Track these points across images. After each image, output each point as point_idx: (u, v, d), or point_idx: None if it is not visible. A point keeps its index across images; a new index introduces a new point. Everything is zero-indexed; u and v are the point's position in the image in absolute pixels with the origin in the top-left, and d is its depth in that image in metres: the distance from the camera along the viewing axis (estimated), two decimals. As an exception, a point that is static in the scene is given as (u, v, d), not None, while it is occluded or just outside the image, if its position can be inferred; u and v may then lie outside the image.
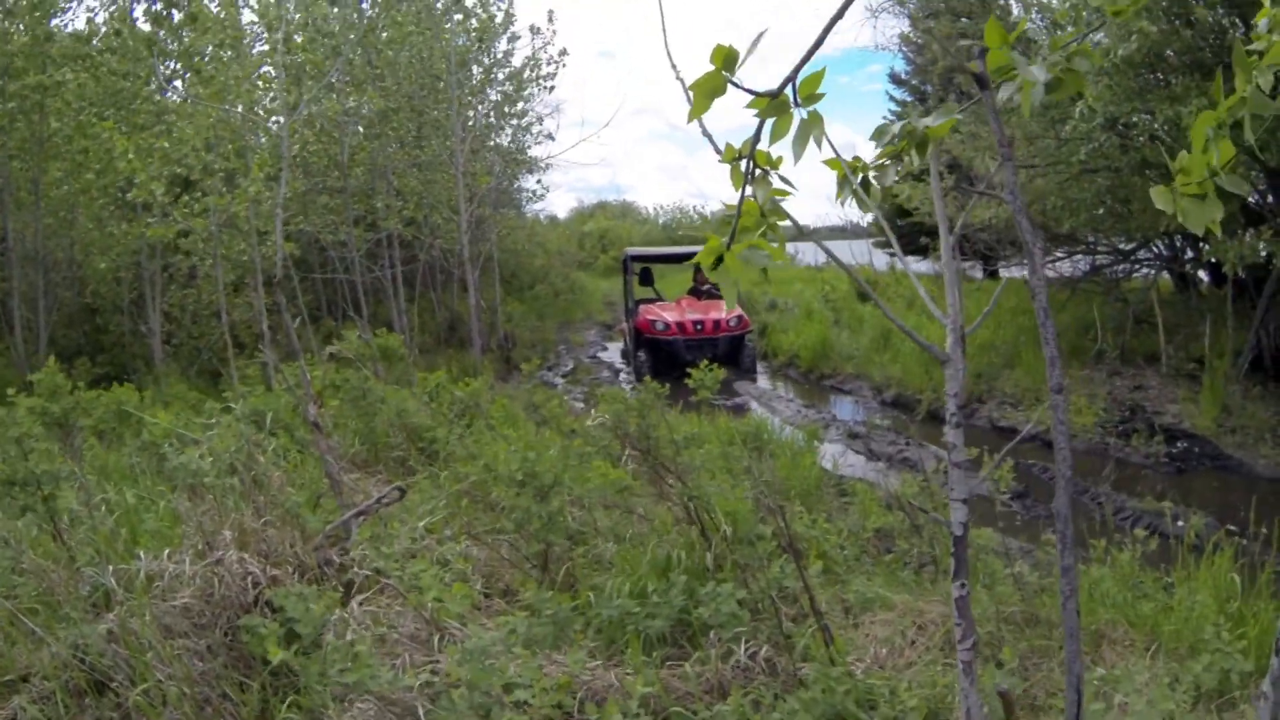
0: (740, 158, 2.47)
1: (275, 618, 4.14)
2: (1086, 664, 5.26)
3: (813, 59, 2.27)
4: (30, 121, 17.26)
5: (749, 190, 2.49)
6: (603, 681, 4.13)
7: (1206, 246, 13.84)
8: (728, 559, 6.05)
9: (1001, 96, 2.59)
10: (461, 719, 3.03)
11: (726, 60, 2.26)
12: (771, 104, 2.34)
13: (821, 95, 2.37)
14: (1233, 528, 8.06)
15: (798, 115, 2.38)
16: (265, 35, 16.52)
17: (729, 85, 2.29)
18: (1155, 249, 19.24)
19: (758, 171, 2.50)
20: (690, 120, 2.38)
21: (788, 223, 2.58)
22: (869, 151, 3.10)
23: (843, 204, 2.97)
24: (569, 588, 5.66)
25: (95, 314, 20.94)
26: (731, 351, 22.32)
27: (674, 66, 2.48)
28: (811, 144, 2.81)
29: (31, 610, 5.34)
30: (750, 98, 2.33)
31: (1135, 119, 13.10)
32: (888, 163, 3.03)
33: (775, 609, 5.35)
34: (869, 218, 30.78)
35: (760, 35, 2.32)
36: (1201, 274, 19.08)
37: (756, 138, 2.40)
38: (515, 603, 5.50)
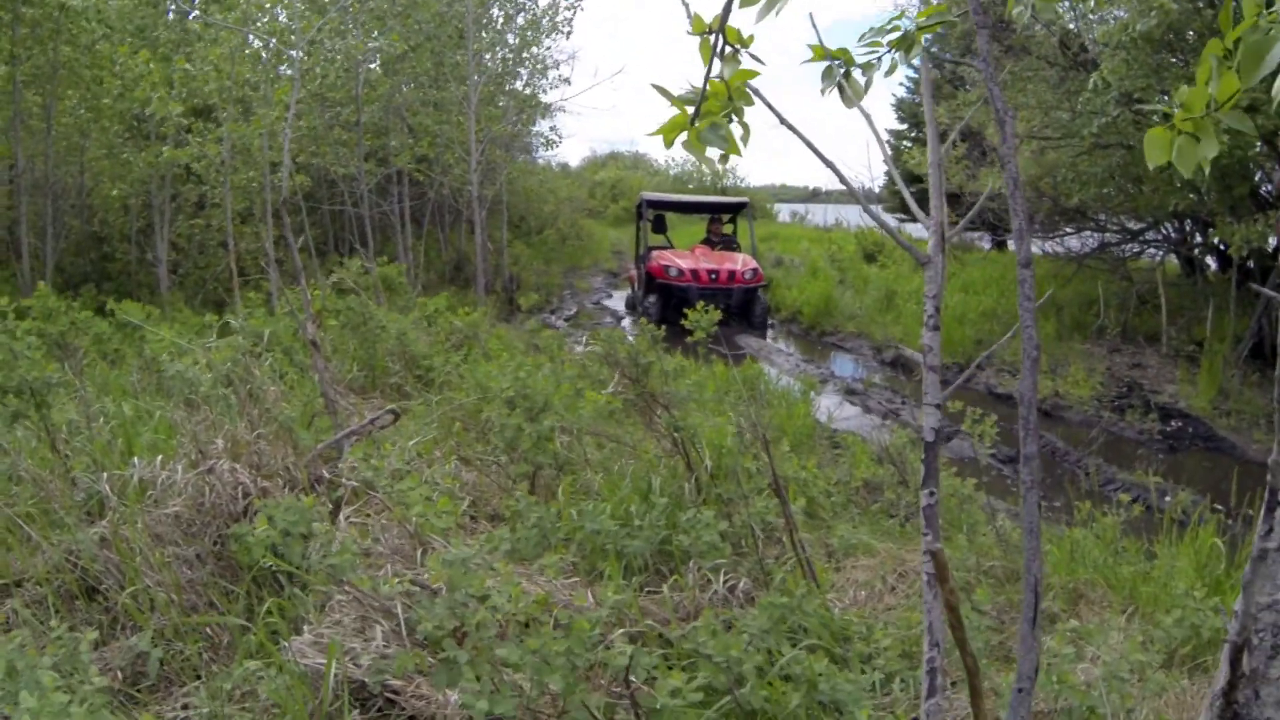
0: (709, 31, 2.40)
1: (265, 522, 4.20)
2: (1064, 619, 5.33)
3: None
4: (45, 48, 17.22)
5: (716, 68, 2.42)
6: (580, 599, 4.19)
7: (1214, 230, 13.85)
8: (711, 492, 6.11)
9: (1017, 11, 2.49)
10: (439, 620, 3.08)
11: None
12: None
13: None
14: (1218, 506, 8.13)
15: None
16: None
17: None
18: (1164, 231, 19.24)
19: (726, 49, 2.42)
20: None
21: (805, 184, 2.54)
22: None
23: (824, 94, 2.93)
24: (556, 513, 5.71)
25: (102, 242, 20.92)
26: (744, 304, 22.05)
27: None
28: (825, 107, 2.81)
29: (27, 517, 5.40)
30: None
31: (1150, 96, 13.03)
32: (874, 59, 2.97)
33: (755, 543, 5.41)
34: (879, 181, 30.75)
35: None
36: (1209, 259, 19.07)
37: (727, 9, 2.36)
38: (501, 525, 5.57)
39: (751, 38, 2.43)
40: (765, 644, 3.81)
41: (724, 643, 3.28)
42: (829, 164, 2.83)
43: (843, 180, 2.83)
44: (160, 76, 14.56)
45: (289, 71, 17.33)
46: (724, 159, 2.59)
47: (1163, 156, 2.43)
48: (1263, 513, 2.06)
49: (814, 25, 2.90)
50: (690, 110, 2.44)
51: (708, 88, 2.43)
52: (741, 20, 2.38)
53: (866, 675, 3.93)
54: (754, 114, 2.53)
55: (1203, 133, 2.37)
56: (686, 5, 2.43)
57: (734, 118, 2.52)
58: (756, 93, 2.51)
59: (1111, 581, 6.10)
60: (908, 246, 2.74)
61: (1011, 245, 26.42)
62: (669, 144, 2.51)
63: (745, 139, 2.51)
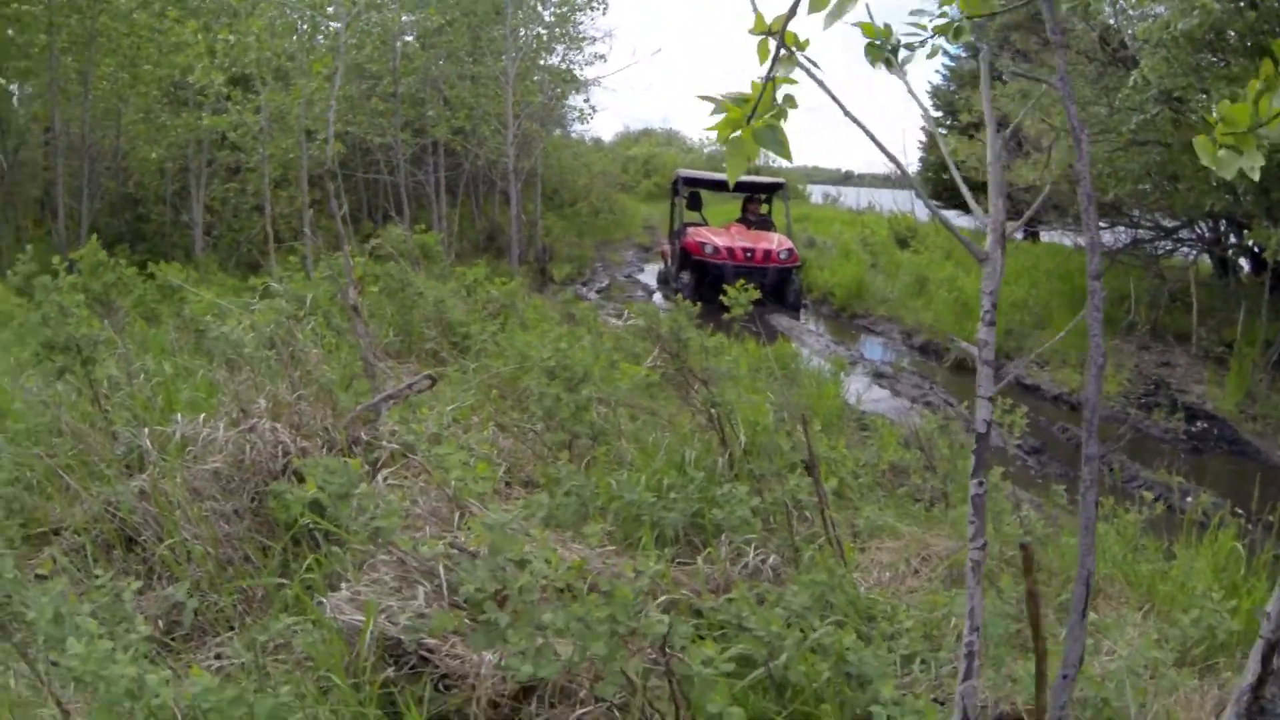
0: (770, 33, 2.41)
1: (302, 486, 4.30)
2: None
3: None
4: (82, 18, 17.32)
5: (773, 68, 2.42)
6: (615, 568, 4.27)
7: (1249, 231, 13.78)
8: (744, 468, 6.19)
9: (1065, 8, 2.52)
10: (481, 582, 3.17)
11: None
12: None
13: None
14: (1239, 510, 8.16)
15: None
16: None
17: None
18: (1198, 230, 19.14)
19: (783, 51, 2.42)
20: None
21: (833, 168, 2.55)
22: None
23: (874, 65, 2.95)
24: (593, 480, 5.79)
25: (138, 204, 21.08)
26: (779, 285, 21.75)
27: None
28: (866, 94, 2.86)
29: (68, 468, 5.53)
30: None
31: (1190, 95, 12.98)
32: (918, 40, 3.00)
33: (788, 519, 5.49)
34: (914, 167, 30.60)
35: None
36: (1242, 261, 18.97)
37: (792, 12, 2.36)
38: (536, 492, 5.65)
39: (808, 41, 2.47)
40: (804, 621, 3.89)
41: (765, 617, 3.36)
42: (892, 158, 2.89)
43: (905, 174, 2.89)
44: (204, 46, 14.66)
45: (325, 43, 17.42)
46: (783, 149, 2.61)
47: (1212, 161, 2.46)
48: None
49: (867, 8, 2.95)
50: (745, 110, 2.45)
51: (767, 85, 2.44)
52: (801, 24, 2.42)
53: (890, 654, 4.01)
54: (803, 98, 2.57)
55: (1245, 146, 2.41)
56: (754, 4, 2.47)
57: (781, 119, 2.53)
58: (822, 84, 2.55)
59: (1130, 578, 6.15)
60: (967, 243, 2.78)
61: (1045, 236, 26.38)
62: (723, 140, 2.51)
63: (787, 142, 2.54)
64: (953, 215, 26.64)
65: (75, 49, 17.99)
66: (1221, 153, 2.44)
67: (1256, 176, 2.42)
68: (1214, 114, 2.43)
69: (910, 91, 3.10)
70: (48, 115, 18.79)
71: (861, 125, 2.82)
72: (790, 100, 2.52)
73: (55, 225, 18.32)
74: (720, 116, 2.47)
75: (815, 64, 2.52)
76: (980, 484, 2.67)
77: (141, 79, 17.99)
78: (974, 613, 2.71)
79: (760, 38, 2.45)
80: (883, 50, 2.96)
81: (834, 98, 2.65)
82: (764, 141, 2.48)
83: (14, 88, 19.65)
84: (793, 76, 2.51)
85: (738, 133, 2.49)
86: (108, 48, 17.88)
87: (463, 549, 3.77)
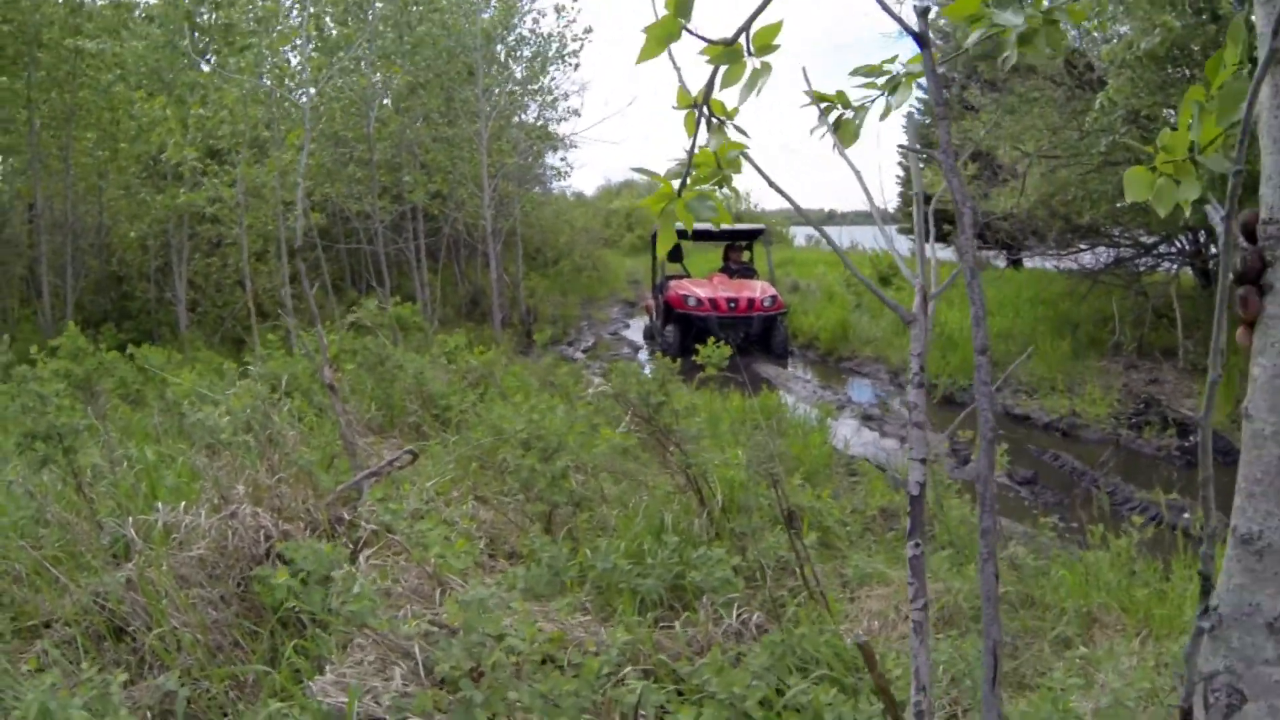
0: (694, 105, 2.43)
1: (285, 568, 4.30)
2: (1076, 644, 5.38)
3: (770, 9, 2.23)
4: (61, 91, 17.46)
5: (703, 139, 2.45)
6: (593, 636, 4.27)
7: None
8: (724, 526, 6.19)
9: (970, 41, 2.50)
10: (456, 660, 3.17)
11: (680, 5, 2.21)
12: (725, 52, 2.32)
13: (776, 46, 2.33)
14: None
15: (750, 64, 2.35)
16: (298, 9, 16.64)
17: (684, 31, 2.24)
18: (1178, 243, 19.23)
19: (713, 121, 2.45)
20: (638, 62, 2.34)
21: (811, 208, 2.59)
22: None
23: (818, 136, 2.94)
24: (572, 550, 5.79)
25: (121, 281, 21.16)
26: (765, 332, 21.73)
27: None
28: (825, 133, 2.87)
29: (55, 559, 5.52)
30: (704, 45, 2.30)
31: (1157, 113, 13.08)
32: (867, 103, 2.99)
33: (764, 577, 5.48)
34: (893, 203, 30.70)
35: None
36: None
37: (710, 86, 2.38)
38: (518, 564, 5.66)
39: (736, 110, 2.48)
40: (769, 680, 3.88)
41: (728, 679, 3.35)
42: (811, 222, 2.90)
43: (834, 247, 2.90)
44: (175, 121, 14.75)
45: (296, 113, 17.54)
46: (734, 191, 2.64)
47: (1142, 194, 2.43)
48: (1200, 595, 2.15)
49: (806, 78, 2.95)
50: (675, 184, 2.48)
51: (696, 156, 2.48)
52: (727, 94, 2.46)
53: (874, 705, 4.00)
54: (761, 132, 2.59)
55: (1184, 175, 2.38)
56: (681, 80, 2.49)
57: (723, 184, 2.57)
58: (749, 159, 2.56)
59: (1125, 605, 6.14)
60: (892, 305, 2.75)
61: (1028, 264, 26.45)
62: (656, 214, 2.55)
63: (734, 202, 2.56)
64: (940, 248, 26.76)
65: (55, 124, 18.12)
66: (1159, 182, 2.41)
67: (1188, 213, 2.42)
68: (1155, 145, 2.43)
69: (854, 170, 3.09)
70: (30, 192, 18.89)
71: (786, 195, 2.84)
72: (732, 163, 2.53)
73: (40, 305, 18.37)
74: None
75: (744, 133, 2.52)
76: (916, 545, 2.65)
77: (120, 155, 18.10)
78: (919, 672, 2.69)
79: (687, 112, 2.46)
80: (825, 122, 2.95)
81: (761, 172, 2.67)
82: (697, 213, 2.50)
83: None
84: (736, 139, 2.52)
85: (670, 207, 2.52)
86: (87, 122, 18.02)
87: (443, 626, 3.77)
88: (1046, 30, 2.55)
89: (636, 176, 63.12)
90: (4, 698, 3.88)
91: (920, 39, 2.46)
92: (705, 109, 2.41)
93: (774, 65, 2.36)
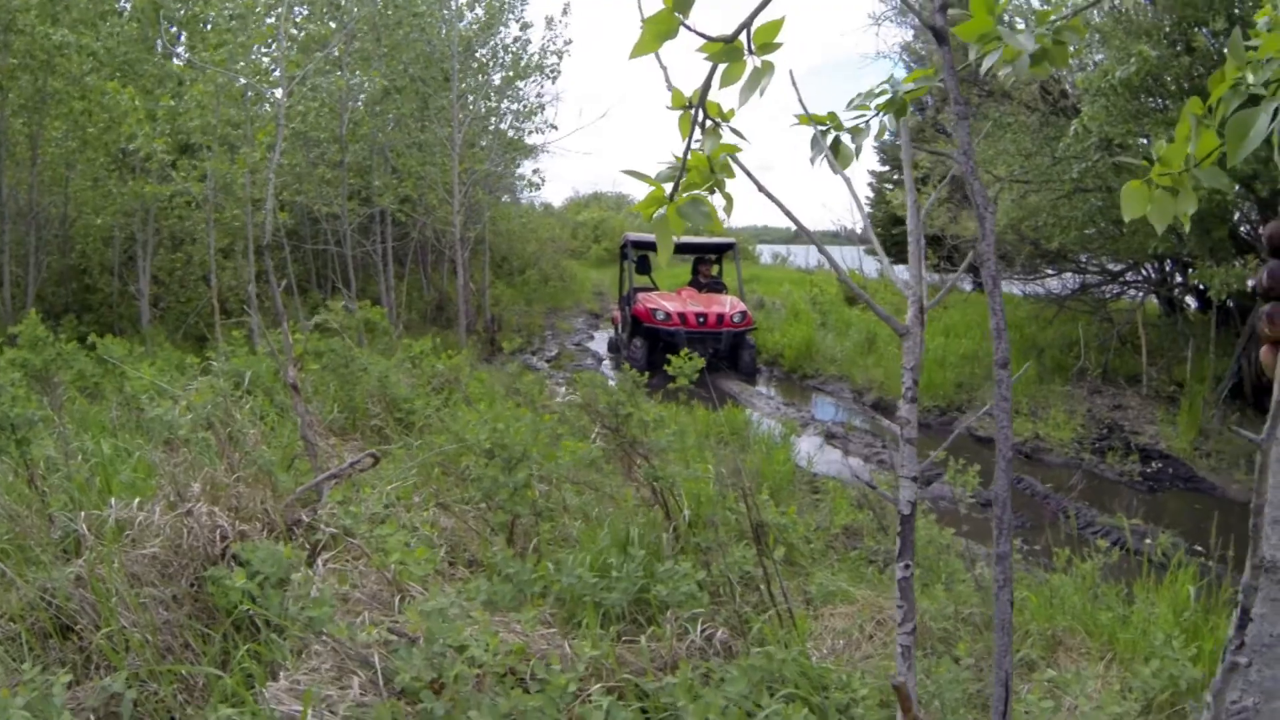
0: (690, 106, 2.39)
1: (241, 571, 4.20)
2: (1041, 667, 5.34)
3: (772, 6, 2.18)
4: (34, 79, 17.29)
5: (697, 141, 2.41)
6: (557, 650, 4.19)
7: (1194, 271, 13.95)
8: (690, 540, 6.12)
9: (985, 66, 2.41)
10: (417, 671, 3.08)
11: (679, 1, 2.15)
12: (724, 49, 2.25)
13: (778, 45, 2.27)
14: (1199, 547, 8.16)
15: (750, 63, 2.28)
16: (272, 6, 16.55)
17: (681, 27, 2.18)
18: (1144, 271, 19.37)
19: (708, 122, 2.41)
20: (632, 56, 2.25)
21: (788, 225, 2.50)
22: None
23: (813, 164, 2.88)
24: (535, 562, 5.72)
25: (83, 274, 20.95)
26: (733, 349, 21.62)
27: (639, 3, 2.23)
28: (808, 156, 2.80)
29: (2, 553, 5.40)
30: (703, 41, 2.23)
31: (1130, 141, 13.15)
32: (862, 124, 2.91)
33: (733, 592, 5.41)
34: (860, 224, 30.85)
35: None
36: (1189, 299, 19.18)
37: (707, 85, 2.33)
38: (479, 572, 5.57)
39: (732, 111, 2.43)
40: (745, 706, 3.81)
41: (703, 706, 3.28)
42: (801, 227, 2.83)
43: (822, 251, 2.83)
44: (145, 113, 14.60)
45: (270, 110, 17.40)
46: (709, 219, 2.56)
47: (1139, 210, 2.42)
48: (1233, 628, 2.07)
49: (795, 88, 2.89)
50: (668, 187, 2.42)
51: (689, 159, 2.42)
52: (722, 94, 2.38)
53: (844, 727, 3.93)
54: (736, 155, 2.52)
55: (1180, 188, 2.36)
56: (668, 80, 2.43)
57: (716, 189, 2.51)
58: (740, 165, 2.50)
59: (1090, 628, 6.12)
60: (885, 317, 2.69)
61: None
62: (648, 219, 2.49)
63: (729, 209, 2.49)
64: (902, 269, 26.86)
65: (25, 111, 17.93)
66: (1156, 195, 2.40)
67: (1187, 226, 2.37)
68: (1150, 154, 2.38)
69: (851, 190, 3.04)
70: (-5, 180, 18.71)
71: (776, 200, 2.77)
72: (725, 167, 2.49)
73: (0, 294, 18.16)
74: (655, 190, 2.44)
75: (741, 135, 2.48)
76: (906, 567, 2.58)
77: (90, 144, 17.93)
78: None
79: (681, 112, 2.42)
80: (821, 143, 2.88)
81: (752, 177, 2.61)
82: (689, 217, 2.45)
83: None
84: (732, 142, 2.47)
85: (662, 210, 2.45)
86: (58, 111, 17.84)
87: (402, 634, 3.68)
88: (1056, 49, 2.50)
89: (604, 188, 63.20)
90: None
91: (939, 35, 2.40)
92: (701, 110, 2.35)
93: (775, 64, 2.29)
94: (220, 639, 4.74)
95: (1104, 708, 4.11)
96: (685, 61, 2.37)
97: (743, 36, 2.23)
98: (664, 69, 2.44)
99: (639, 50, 2.23)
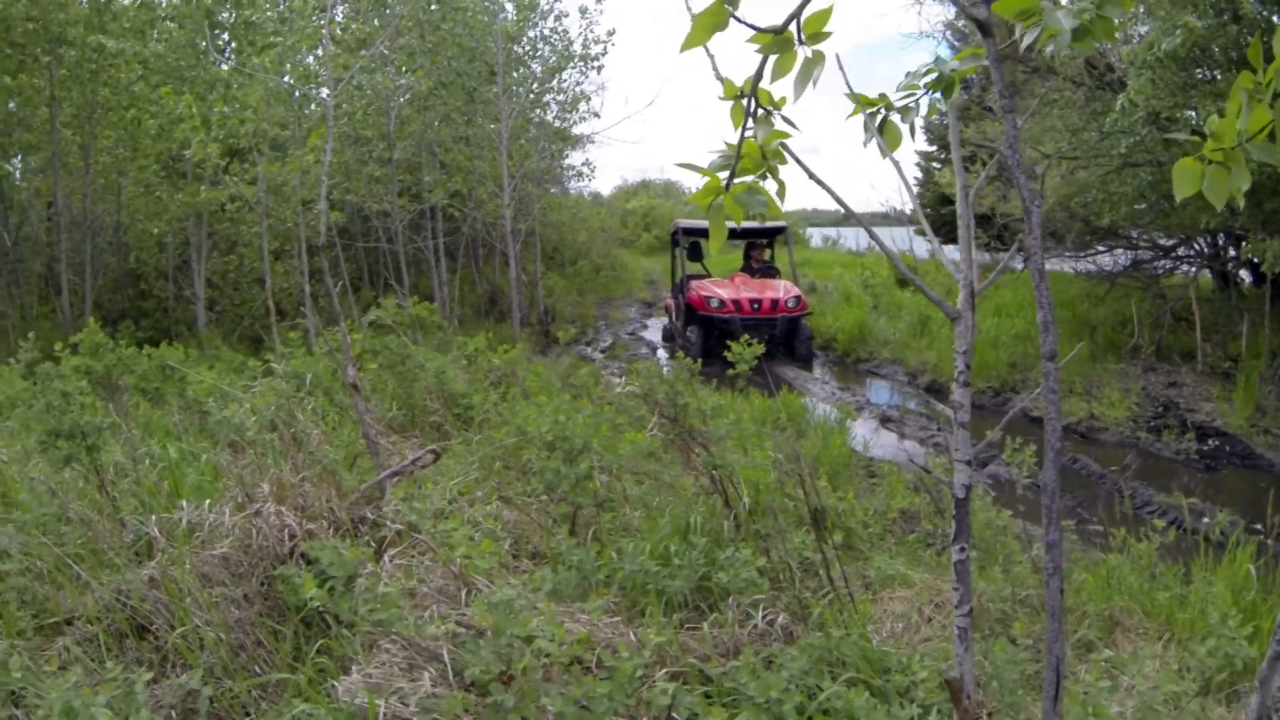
0: (741, 95, 2.40)
1: (309, 569, 4.30)
2: (1099, 648, 5.36)
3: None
4: (84, 90, 17.54)
5: (750, 130, 2.42)
6: (622, 638, 4.26)
7: (1247, 245, 13.81)
8: (749, 528, 6.18)
9: (1025, 42, 2.42)
10: (485, 663, 3.17)
11: None
12: (774, 40, 2.27)
13: (828, 34, 2.28)
14: (1258, 526, 8.13)
15: (801, 53, 2.31)
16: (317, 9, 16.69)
17: (731, 19, 2.21)
18: (1197, 246, 19.18)
19: (760, 111, 2.42)
20: (683, 50, 2.28)
21: (832, 207, 2.51)
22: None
23: (865, 145, 2.89)
24: (597, 552, 5.80)
25: (139, 279, 21.23)
26: (788, 334, 21.43)
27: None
28: (859, 136, 2.84)
29: (77, 557, 5.52)
30: (753, 33, 2.27)
31: (1178, 114, 13.04)
32: (911, 103, 2.92)
33: (793, 577, 5.47)
34: (909, 205, 30.66)
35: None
36: (1243, 273, 18.98)
37: (759, 75, 2.34)
38: (543, 564, 5.66)
39: (784, 100, 2.45)
40: (805, 683, 3.88)
41: (764, 684, 3.35)
42: (862, 223, 2.88)
43: (871, 234, 2.89)
44: (199, 119, 14.80)
45: (317, 109, 17.55)
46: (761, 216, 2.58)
47: (1193, 187, 2.40)
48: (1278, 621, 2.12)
49: (842, 70, 2.93)
50: (723, 176, 2.44)
51: (741, 148, 2.44)
52: (774, 85, 2.41)
53: (904, 709, 3.98)
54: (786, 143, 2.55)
55: (1234, 163, 2.34)
56: (716, 70, 2.48)
57: (769, 175, 2.54)
58: (790, 153, 2.53)
59: (1147, 608, 6.12)
60: (937, 301, 2.73)
61: (1047, 266, 26.34)
62: (704, 209, 2.50)
63: (781, 194, 2.51)
64: (952, 249, 26.72)
65: (76, 122, 18.20)
66: (1210, 171, 2.36)
67: (1241, 202, 2.36)
68: (1201, 127, 2.35)
69: (900, 173, 3.07)
70: (50, 190, 18.98)
71: (825, 186, 2.82)
72: (777, 154, 2.52)
73: (60, 303, 18.45)
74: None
75: (792, 124, 2.50)
76: (962, 550, 2.64)
77: (141, 152, 18.17)
78: (963, 680, 2.68)
79: (734, 102, 2.45)
80: (872, 127, 2.91)
81: (802, 165, 2.65)
82: (746, 205, 2.47)
83: (16, 162, 19.80)
84: (782, 129, 2.50)
85: (719, 200, 2.48)
86: (108, 120, 18.08)
87: (470, 627, 3.76)
88: (1100, 23, 2.47)
89: (653, 175, 63.11)
90: (25, 695, 3.88)
91: (983, 26, 2.42)
92: (753, 99, 2.38)
93: (825, 54, 2.32)
94: (292, 636, 4.86)
95: (1160, 687, 4.14)
96: (730, 49, 2.41)
97: (792, 27, 2.26)
98: (712, 59, 2.49)
99: (690, 43, 2.26)
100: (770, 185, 2.58)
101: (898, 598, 5.95)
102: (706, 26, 2.23)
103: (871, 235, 3.00)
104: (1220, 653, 4.96)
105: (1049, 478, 2.39)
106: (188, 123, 14.73)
